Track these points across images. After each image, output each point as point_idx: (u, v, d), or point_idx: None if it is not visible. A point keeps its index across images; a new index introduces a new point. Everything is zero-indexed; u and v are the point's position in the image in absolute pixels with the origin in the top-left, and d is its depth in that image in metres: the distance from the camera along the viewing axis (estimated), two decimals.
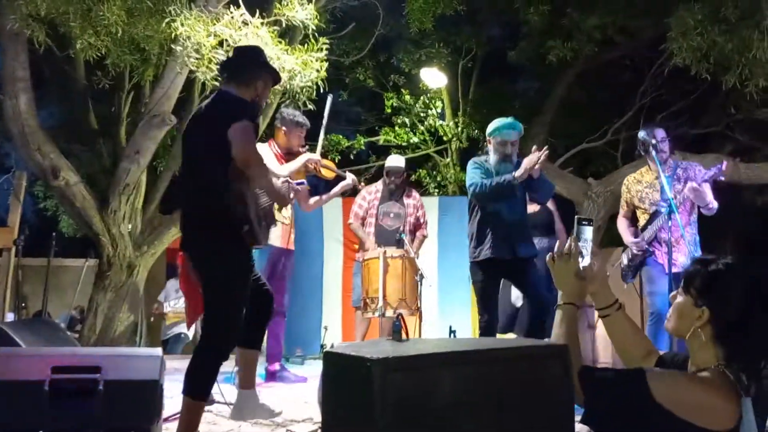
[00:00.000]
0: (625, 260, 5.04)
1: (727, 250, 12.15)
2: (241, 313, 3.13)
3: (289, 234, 5.21)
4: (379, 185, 6.28)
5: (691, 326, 1.89)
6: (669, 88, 9.64)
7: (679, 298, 1.97)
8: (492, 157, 4.70)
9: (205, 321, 3.14)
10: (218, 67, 4.41)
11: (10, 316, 7.10)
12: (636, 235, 4.91)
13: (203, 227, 3.11)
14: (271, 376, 5.35)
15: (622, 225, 5.11)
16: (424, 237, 6.34)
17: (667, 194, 4.47)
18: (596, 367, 1.91)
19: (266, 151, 4.91)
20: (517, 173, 4.44)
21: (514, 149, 4.68)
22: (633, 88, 9.93)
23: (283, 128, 5.20)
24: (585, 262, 2.11)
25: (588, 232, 2.19)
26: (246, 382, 3.52)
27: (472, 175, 4.66)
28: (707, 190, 4.57)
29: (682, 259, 4.61)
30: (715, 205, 4.62)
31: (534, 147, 4.49)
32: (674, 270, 4.56)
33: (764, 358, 1.82)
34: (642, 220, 4.97)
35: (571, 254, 2.09)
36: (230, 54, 3.73)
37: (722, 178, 4.58)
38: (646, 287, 4.92)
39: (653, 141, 4.68)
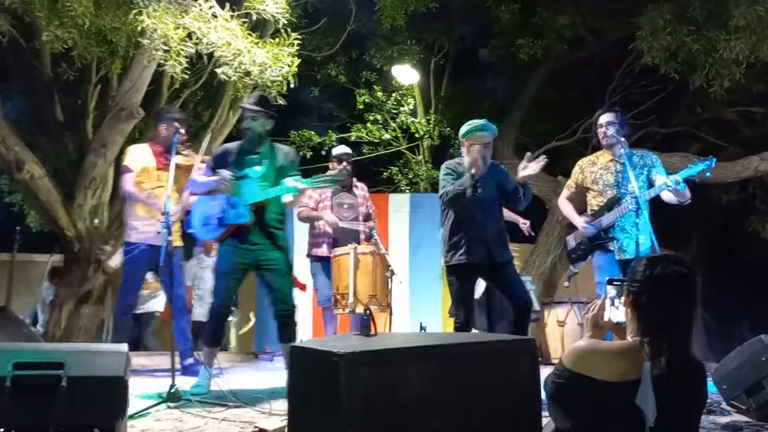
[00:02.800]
0: (572, 243, 5.00)
1: (693, 247, 12.33)
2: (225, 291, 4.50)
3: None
4: None
5: None
6: (637, 87, 9.76)
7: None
8: (465, 160, 4.60)
9: None
10: None
11: None
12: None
13: None
14: (186, 371, 5.31)
15: (567, 206, 5.07)
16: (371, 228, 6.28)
17: (634, 189, 4.46)
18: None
19: (136, 153, 5.35)
20: (472, 171, 4.40)
21: (487, 151, 4.56)
22: (602, 87, 10.02)
23: (162, 125, 5.41)
24: (617, 316, 2.41)
25: (615, 292, 2.47)
26: None
27: (443, 183, 4.60)
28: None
29: (632, 246, 4.61)
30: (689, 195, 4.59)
31: (528, 154, 4.50)
32: (625, 257, 4.61)
33: (662, 332, 2.17)
34: (594, 203, 4.93)
35: (597, 307, 2.47)
36: None
37: (709, 175, 4.56)
38: (596, 276, 4.87)
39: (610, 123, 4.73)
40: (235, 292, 4.74)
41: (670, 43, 6.98)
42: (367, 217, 6.18)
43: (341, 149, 6.31)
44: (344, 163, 6.06)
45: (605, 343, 2.33)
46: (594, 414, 2.19)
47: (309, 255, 6.13)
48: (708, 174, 4.52)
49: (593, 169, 4.96)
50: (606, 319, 2.41)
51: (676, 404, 2.15)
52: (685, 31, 6.93)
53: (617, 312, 2.39)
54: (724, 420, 3.64)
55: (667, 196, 4.63)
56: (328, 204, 5.98)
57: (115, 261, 7.21)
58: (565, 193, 5.17)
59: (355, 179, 6.26)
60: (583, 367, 2.19)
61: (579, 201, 5.15)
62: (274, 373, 5.63)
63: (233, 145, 4.73)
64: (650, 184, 4.71)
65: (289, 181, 4.38)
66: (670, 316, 2.19)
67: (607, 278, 2.53)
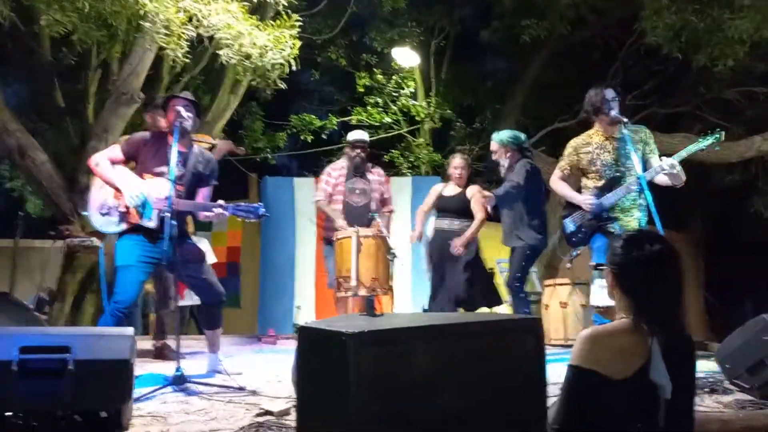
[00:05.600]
0: (572, 226, 4.76)
1: (696, 228, 12.33)
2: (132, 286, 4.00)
3: None
4: (343, 162, 6.14)
5: None
6: (640, 68, 9.73)
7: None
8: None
9: None
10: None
11: None
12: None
13: None
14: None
15: (563, 185, 4.87)
16: (391, 212, 6.26)
17: (635, 168, 4.38)
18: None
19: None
20: None
21: (497, 157, 5.49)
22: (604, 68, 9.99)
23: (152, 112, 5.44)
24: (601, 300, 2.27)
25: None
26: None
27: None
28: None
29: (634, 224, 4.50)
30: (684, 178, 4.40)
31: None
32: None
33: (650, 310, 2.15)
34: (591, 184, 4.71)
35: None
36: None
37: (718, 149, 4.47)
38: (593, 257, 4.60)
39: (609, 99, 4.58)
40: (143, 288, 4.20)
41: (675, 22, 6.93)
42: (384, 202, 6.17)
43: (356, 135, 6.17)
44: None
45: (605, 333, 2.24)
46: (604, 411, 2.11)
47: (324, 238, 6.17)
48: (717, 147, 4.42)
49: (588, 150, 4.73)
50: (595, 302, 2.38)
51: (675, 381, 2.09)
52: (690, 10, 6.88)
53: (603, 295, 2.36)
54: (727, 399, 3.64)
55: (661, 179, 4.46)
56: (342, 189, 5.97)
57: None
58: (558, 173, 4.92)
59: (370, 164, 6.21)
60: (593, 362, 2.10)
61: (572, 182, 5.03)
62: (277, 356, 5.64)
63: (151, 135, 4.30)
64: (645, 161, 4.54)
65: (209, 205, 4.08)
66: (656, 295, 2.17)
67: (593, 264, 2.49)
